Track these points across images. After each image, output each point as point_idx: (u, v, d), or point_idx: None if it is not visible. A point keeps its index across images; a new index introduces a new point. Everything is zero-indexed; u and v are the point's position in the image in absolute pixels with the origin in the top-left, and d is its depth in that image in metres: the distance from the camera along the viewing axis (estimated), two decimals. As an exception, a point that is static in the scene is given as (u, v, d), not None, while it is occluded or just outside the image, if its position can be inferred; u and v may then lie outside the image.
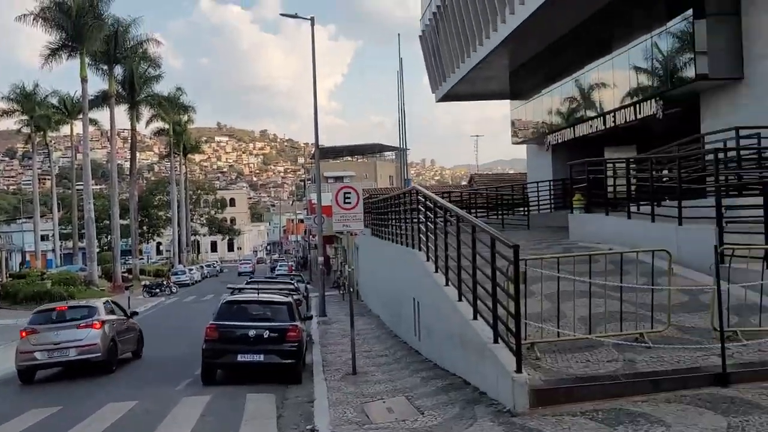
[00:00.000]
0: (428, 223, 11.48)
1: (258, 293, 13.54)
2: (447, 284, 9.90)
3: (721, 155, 11.52)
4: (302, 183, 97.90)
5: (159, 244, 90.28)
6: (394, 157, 77.09)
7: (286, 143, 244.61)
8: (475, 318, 8.17)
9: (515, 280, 6.30)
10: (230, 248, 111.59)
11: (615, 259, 8.75)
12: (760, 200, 10.79)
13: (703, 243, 10.24)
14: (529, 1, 19.34)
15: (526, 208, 24.02)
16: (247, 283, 18.81)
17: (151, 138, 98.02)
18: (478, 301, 8.07)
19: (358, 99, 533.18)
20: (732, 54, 14.88)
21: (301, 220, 73.00)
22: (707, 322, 8.11)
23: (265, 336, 11.58)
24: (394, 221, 16.63)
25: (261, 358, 11.46)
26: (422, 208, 11.99)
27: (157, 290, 41.49)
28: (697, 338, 7.81)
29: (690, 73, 15.56)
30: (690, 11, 15.31)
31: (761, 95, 14.34)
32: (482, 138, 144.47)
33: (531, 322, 7.50)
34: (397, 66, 59.76)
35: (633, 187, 14.68)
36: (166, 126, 63.46)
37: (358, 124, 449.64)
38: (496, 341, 7.31)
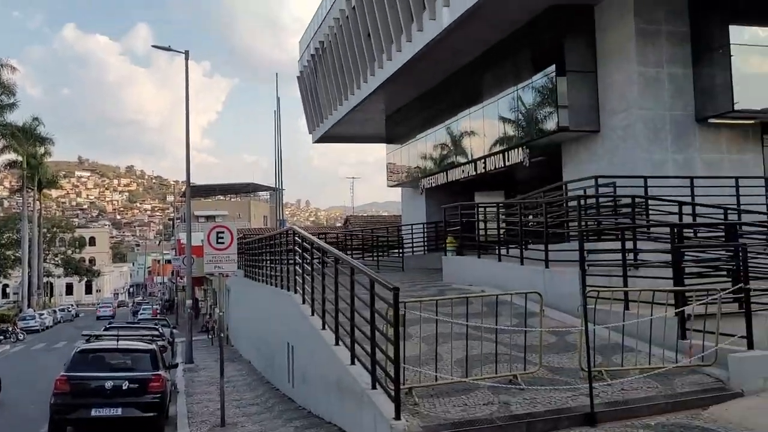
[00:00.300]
0: (305, 264, 11.17)
1: (117, 340, 12.50)
2: (324, 328, 9.60)
3: (582, 201, 12.18)
4: (171, 222, 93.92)
5: (6, 286, 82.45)
6: (268, 196, 76.10)
7: (154, 180, 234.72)
8: (352, 363, 7.92)
9: (395, 324, 6.15)
10: (88, 291, 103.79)
11: (489, 300, 8.90)
12: (617, 245, 11.56)
13: (568, 285, 10.69)
14: (405, 49, 19.94)
15: (400, 250, 24.30)
16: (106, 329, 17.40)
17: (1, 171, 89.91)
18: (356, 346, 7.84)
19: (233, 137, 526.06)
20: (590, 108, 16.04)
21: (169, 261, 69.72)
22: (574, 362, 8.38)
23: (123, 387, 10.63)
24: (268, 262, 16.13)
25: (119, 412, 10.49)
26: (299, 249, 11.67)
27: (1, 337, 37.56)
28: (566, 378, 8.02)
29: (552, 124, 16.57)
30: (553, 67, 16.40)
31: (614, 147, 15.52)
32: (358, 180, 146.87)
33: (409, 366, 7.37)
34: (273, 105, 59.44)
35: (503, 231, 15.28)
36: (20, 158, 58.63)
37: (232, 162, 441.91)
38: (374, 387, 7.09)
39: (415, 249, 24.71)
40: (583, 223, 11.72)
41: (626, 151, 15.10)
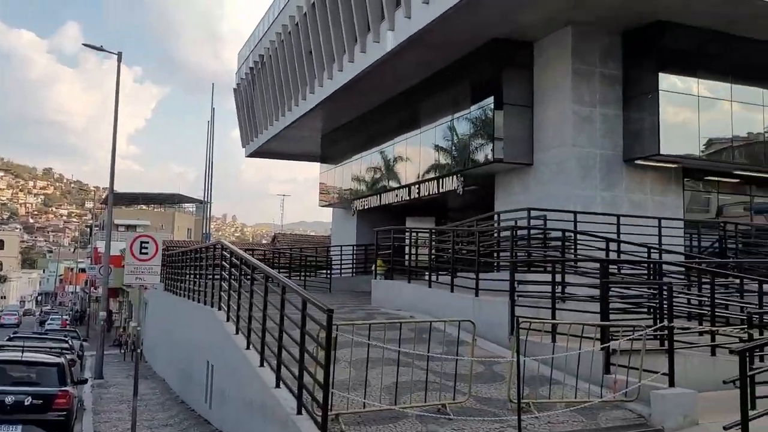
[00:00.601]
0: (232, 280, 10.75)
1: (22, 351, 11.62)
2: (248, 347, 9.20)
3: (515, 232, 12.28)
4: (88, 229, 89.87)
5: None
6: (194, 209, 74.07)
7: (73, 185, 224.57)
8: (278, 386, 7.58)
9: (327, 347, 5.91)
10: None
11: (421, 327, 8.79)
12: (546, 277, 11.72)
13: (497, 314, 10.77)
14: (347, 69, 19.89)
15: (328, 271, 23.97)
16: (10, 339, 16.25)
17: None
18: (283, 368, 7.52)
19: (160, 146, 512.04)
20: (524, 142, 16.38)
21: (83, 270, 66.47)
22: (503, 392, 8.33)
23: (26, 403, 9.85)
24: (192, 277, 15.50)
25: (18, 430, 9.69)
26: (226, 264, 11.23)
27: None
28: (494, 410, 7.94)
29: (488, 155, 16.80)
30: (491, 99, 16.68)
31: (546, 181, 15.87)
32: (288, 198, 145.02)
33: (337, 392, 7.12)
34: (203, 116, 58.11)
35: (434, 257, 15.27)
36: None
37: (158, 172, 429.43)
38: (299, 412, 6.78)
39: (343, 271, 24.46)
40: (514, 254, 11.79)
41: (558, 185, 15.46)
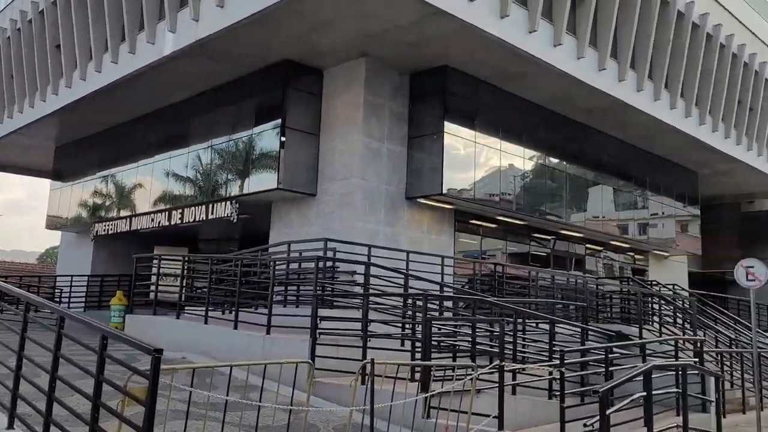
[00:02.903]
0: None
1: None
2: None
3: (318, 264, 11.28)
4: None
5: None
6: None
7: None
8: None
9: (150, 401, 4.27)
10: None
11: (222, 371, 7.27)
12: (348, 313, 10.92)
13: (294, 355, 9.60)
14: (107, 70, 17.26)
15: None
16: None
17: None
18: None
19: None
20: (308, 171, 15.60)
21: None
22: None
23: None
24: None
25: None
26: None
27: None
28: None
29: (267, 182, 15.67)
30: (275, 123, 15.63)
31: (330, 213, 15.23)
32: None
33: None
34: None
35: (203, 289, 13.58)
36: None
37: None
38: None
39: (74, 304, 20.98)
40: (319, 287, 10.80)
41: (342, 218, 14.91)
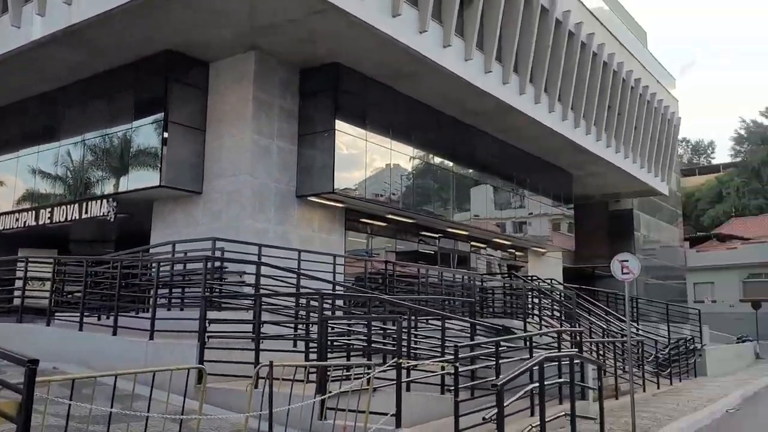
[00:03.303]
0: None
1: None
2: None
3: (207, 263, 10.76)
4: None
5: None
6: None
7: None
8: None
9: (25, 414, 3.83)
10: None
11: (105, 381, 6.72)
12: (240, 314, 10.53)
13: (182, 360, 9.13)
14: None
15: None
16: None
17: None
18: None
19: None
20: (193, 168, 14.96)
21: None
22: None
23: None
24: None
25: None
26: None
27: None
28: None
29: (149, 179, 14.85)
30: (158, 117, 14.81)
31: (217, 211, 14.69)
32: None
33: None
34: None
35: (74, 293, 12.61)
36: None
37: None
38: None
39: None
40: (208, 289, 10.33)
41: (231, 217, 14.41)
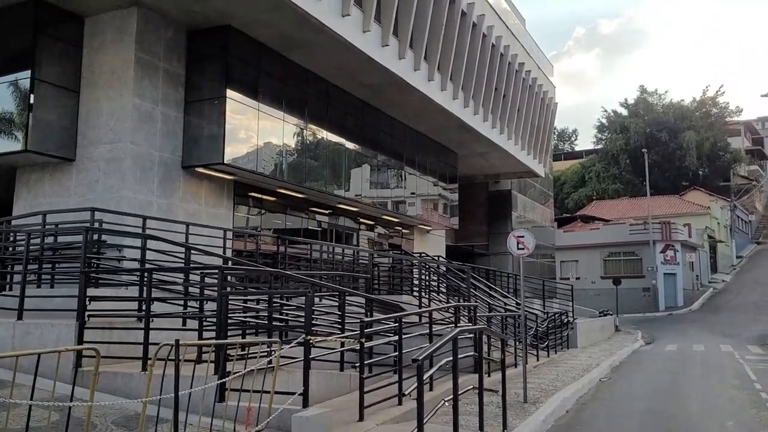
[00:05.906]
0: None
1: None
2: None
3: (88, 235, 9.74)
4: None
5: None
6: None
7: None
8: None
9: None
10: None
11: None
12: (122, 291, 9.70)
13: (57, 342, 8.27)
14: None
15: None
16: None
17: None
18: None
19: None
20: (64, 132, 13.59)
21: None
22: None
23: None
24: None
25: None
26: None
27: None
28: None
29: (12, 144, 13.34)
30: (23, 74, 13.25)
31: (93, 181, 13.47)
32: None
33: None
34: None
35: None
36: None
37: None
38: None
39: None
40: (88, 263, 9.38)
41: (108, 188, 13.25)
